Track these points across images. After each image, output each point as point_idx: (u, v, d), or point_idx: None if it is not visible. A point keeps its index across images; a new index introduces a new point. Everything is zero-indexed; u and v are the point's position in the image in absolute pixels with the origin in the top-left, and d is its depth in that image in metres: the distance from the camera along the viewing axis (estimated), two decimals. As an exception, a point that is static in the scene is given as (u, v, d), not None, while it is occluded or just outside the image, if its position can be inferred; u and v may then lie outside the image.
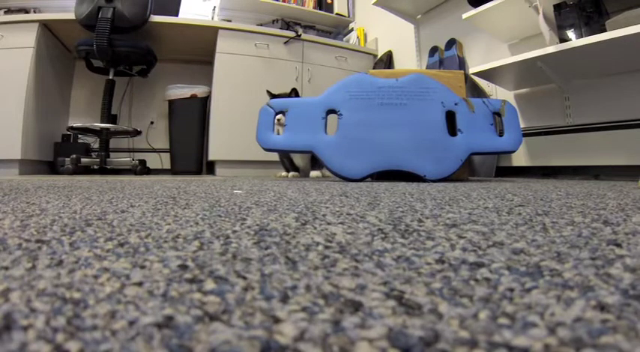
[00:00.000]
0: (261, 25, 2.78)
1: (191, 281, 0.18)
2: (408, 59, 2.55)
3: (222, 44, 2.33)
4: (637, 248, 0.24)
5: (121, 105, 2.54)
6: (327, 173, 1.81)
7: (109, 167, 2.13)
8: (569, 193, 0.70)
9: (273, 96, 1.86)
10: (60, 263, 0.21)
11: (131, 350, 0.11)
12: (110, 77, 2.16)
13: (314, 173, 1.82)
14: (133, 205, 0.48)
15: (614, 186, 0.96)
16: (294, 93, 1.90)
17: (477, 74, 1.74)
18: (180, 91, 2.37)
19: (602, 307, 0.15)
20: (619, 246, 0.25)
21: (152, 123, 2.66)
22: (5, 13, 2.47)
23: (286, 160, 1.91)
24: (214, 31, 2.32)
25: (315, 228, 0.32)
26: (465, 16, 1.79)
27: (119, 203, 0.50)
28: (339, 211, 0.43)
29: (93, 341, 0.12)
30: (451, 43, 2.18)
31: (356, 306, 0.15)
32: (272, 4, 2.96)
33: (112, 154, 2.26)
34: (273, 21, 3.06)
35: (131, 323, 0.13)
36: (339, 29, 3.34)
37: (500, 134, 1.27)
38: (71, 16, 2.04)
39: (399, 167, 1.23)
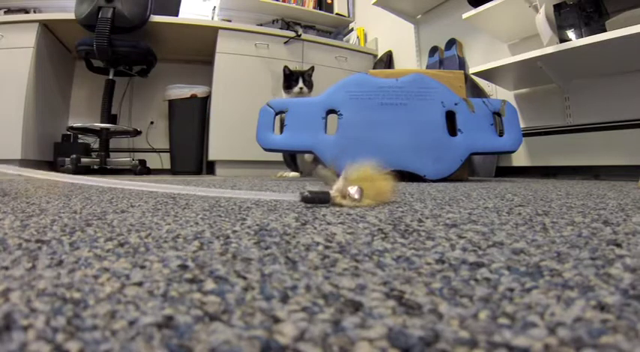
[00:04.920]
0: (261, 25, 2.78)
1: (191, 281, 0.18)
2: (408, 59, 2.55)
3: (222, 44, 2.33)
4: (637, 248, 0.24)
5: (121, 105, 2.54)
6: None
7: (109, 167, 2.13)
8: (569, 193, 0.70)
9: (290, 71, 1.88)
10: (60, 263, 0.21)
11: (131, 350, 0.11)
12: (110, 77, 2.16)
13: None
14: (133, 205, 0.48)
15: (614, 186, 0.96)
16: (312, 70, 1.92)
17: (477, 74, 1.74)
18: (180, 91, 2.37)
19: (602, 307, 0.15)
20: (619, 246, 0.25)
21: (152, 123, 2.66)
22: (5, 13, 2.47)
23: (289, 158, 1.91)
24: (214, 31, 2.32)
25: (315, 228, 0.32)
26: (465, 16, 1.79)
27: (119, 203, 0.50)
28: (339, 211, 0.43)
29: (93, 341, 0.12)
30: (451, 43, 2.18)
31: (356, 306, 0.15)
32: (272, 4, 2.96)
33: (112, 154, 2.26)
34: (273, 21, 3.06)
35: (131, 323, 0.13)
36: (339, 29, 3.34)
37: (500, 134, 1.27)
38: (71, 16, 2.04)
39: (399, 167, 1.23)
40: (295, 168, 1.90)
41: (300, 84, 1.83)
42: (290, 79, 1.88)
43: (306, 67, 1.96)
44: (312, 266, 0.20)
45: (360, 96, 1.27)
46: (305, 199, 0.47)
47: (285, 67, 1.91)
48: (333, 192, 0.47)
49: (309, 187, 0.42)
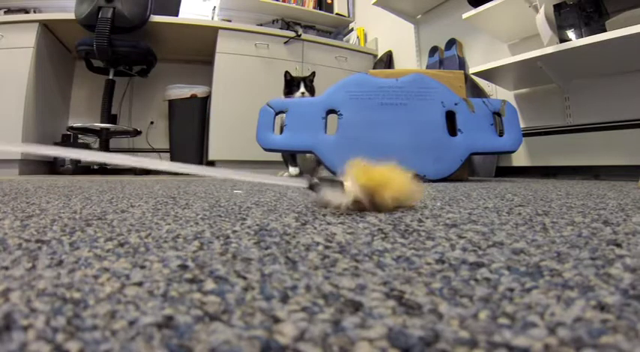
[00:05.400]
0: (261, 25, 2.77)
1: (191, 281, 0.18)
2: (408, 59, 2.55)
3: (222, 44, 2.32)
4: (637, 248, 0.24)
5: (121, 105, 2.53)
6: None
7: (109, 167, 2.13)
8: (569, 193, 0.70)
9: (291, 77, 1.88)
10: (60, 263, 0.21)
11: (131, 350, 0.11)
12: (110, 77, 2.16)
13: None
14: (133, 205, 0.48)
15: (614, 186, 0.96)
16: (313, 75, 1.92)
17: (477, 74, 1.73)
18: (180, 91, 2.37)
19: (602, 307, 0.15)
20: (619, 246, 0.25)
21: (152, 123, 2.66)
22: (5, 13, 2.47)
23: (289, 158, 1.90)
24: (214, 31, 2.32)
25: (315, 228, 0.32)
26: (465, 16, 1.79)
27: (119, 203, 0.50)
28: (339, 211, 0.43)
29: (93, 341, 0.12)
30: (451, 43, 2.18)
31: (356, 306, 0.15)
32: (272, 4, 2.95)
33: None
34: (273, 21, 3.06)
35: (131, 323, 0.13)
36: (339, 29, 3.34)
37: (501, 134, 1.27)
38: (71, 16, 2.04)
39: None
40: (294, 163, 1.88)
41: (302, 89, 1.81)
42: (291, 84, 1.86)
43: (306, 67, 1.96)
44: (312, 266, 0.20)
45: (360, 96, 1.27)
46: (313, 187, 0.41)
47: (287, 72, 1.90)
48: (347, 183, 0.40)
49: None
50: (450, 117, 1.26)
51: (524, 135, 1.74)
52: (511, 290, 0.17)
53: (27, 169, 2.08)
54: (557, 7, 1.46)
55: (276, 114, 1.30)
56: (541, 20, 1.47)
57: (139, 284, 0.17)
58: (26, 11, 2.51)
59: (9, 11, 2.50)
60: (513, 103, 1.69)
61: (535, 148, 1.78)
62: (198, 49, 2.54)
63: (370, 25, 3.01)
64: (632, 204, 0.51)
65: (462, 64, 2.11)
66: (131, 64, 2.22)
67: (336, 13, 3.20)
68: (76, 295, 0.16)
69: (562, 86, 1.64)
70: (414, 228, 0.32)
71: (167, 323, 0.13)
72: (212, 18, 2.91)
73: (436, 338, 0.12)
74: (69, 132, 2.32)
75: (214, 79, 2.30)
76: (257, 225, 0.33)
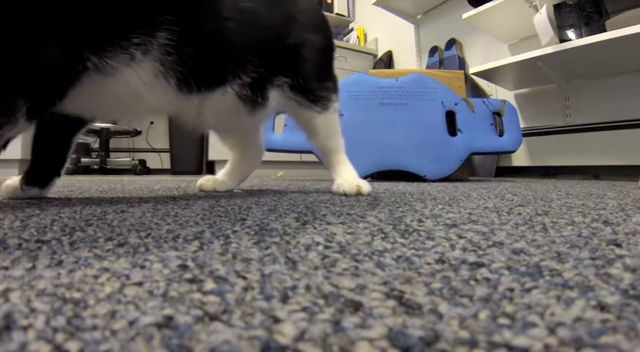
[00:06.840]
0: (261, 25, 2.77)
1: (191, 281, 0.18)
2: (408, 59, 2.55)
3: (222, 44, 2.33)
4: (637, 248, 0.24)
5: (121, 105, 2.53)
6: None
7: (109, 167, 2.13)
8: (569, 193, 0.70)
9: None
10: (60, 263, 0.21)
11: (131, 350, 0.11)
12: (110, 77, 2.16)
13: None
14: (133, 205, 0.48)
15: (614, 186, 0.96)
16: None
17: (477, 74, 1.74)
18: (180, 91, 2.37)
19: (602, 307, 0.15)
20: (619, 246, 0.25)
21: (152, 123, 2.66)
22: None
23: None
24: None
25: (315, 228, 0.32)
26: (465, 16, 1.79)
27: (119, 203, 0.50)
28: (339, 211, 0.43)
29: (93, 341, 0.12)
30: (451, 43, 2.18)
31: (356, 306, 0.15)
32: (272, 4, 2.95)
33: (112, 154, 2.26)
34: (273, 21, 3.05)
35: (131, 323, 0.13)
36: (339, 29, 3.34)
37: (500, 134, 1.27)
38: (71, 16, 2.03)
39: (399, 167, 1.23)
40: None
41: None
42: None
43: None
44: (312, 266, 0.20)
45: (360, 96, 1.27)
46: None
47: None
48: None
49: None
50: (450, 117, 1.26)
51: (524, 135, 1.74)
52: (511, 290, 0.17)
53: (27, 169, 2.08)
54: (557, 7, 1.46)
55: (277, 114, 1.30)
56: (540, 20, 1.47)
57: (139, 284, 0.17)
58: (26, 11, 2.51)
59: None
60: (513, 103, 1.69)
61: (535, 148, 1.78)
62: (198, 48, 2.54)
63: (370, 25, 3.01)
64: (632, 204, 0.51)
65: (462, 64, 2.11)
66: (131, 63, 2.22)
67: (336, 13, 3.19)
68: (76, 295, 0.16)
69: (562, 86, 1.65)
70: (414, 228, 0.32)
71: (167, 323, 0.13)
72: (212, 18, 2.91)
73: (436, 338, 0.12)
74: (69, 132, 2.32)
75: (214, 79, 2.30)
76: (257, 225, 0.33)
